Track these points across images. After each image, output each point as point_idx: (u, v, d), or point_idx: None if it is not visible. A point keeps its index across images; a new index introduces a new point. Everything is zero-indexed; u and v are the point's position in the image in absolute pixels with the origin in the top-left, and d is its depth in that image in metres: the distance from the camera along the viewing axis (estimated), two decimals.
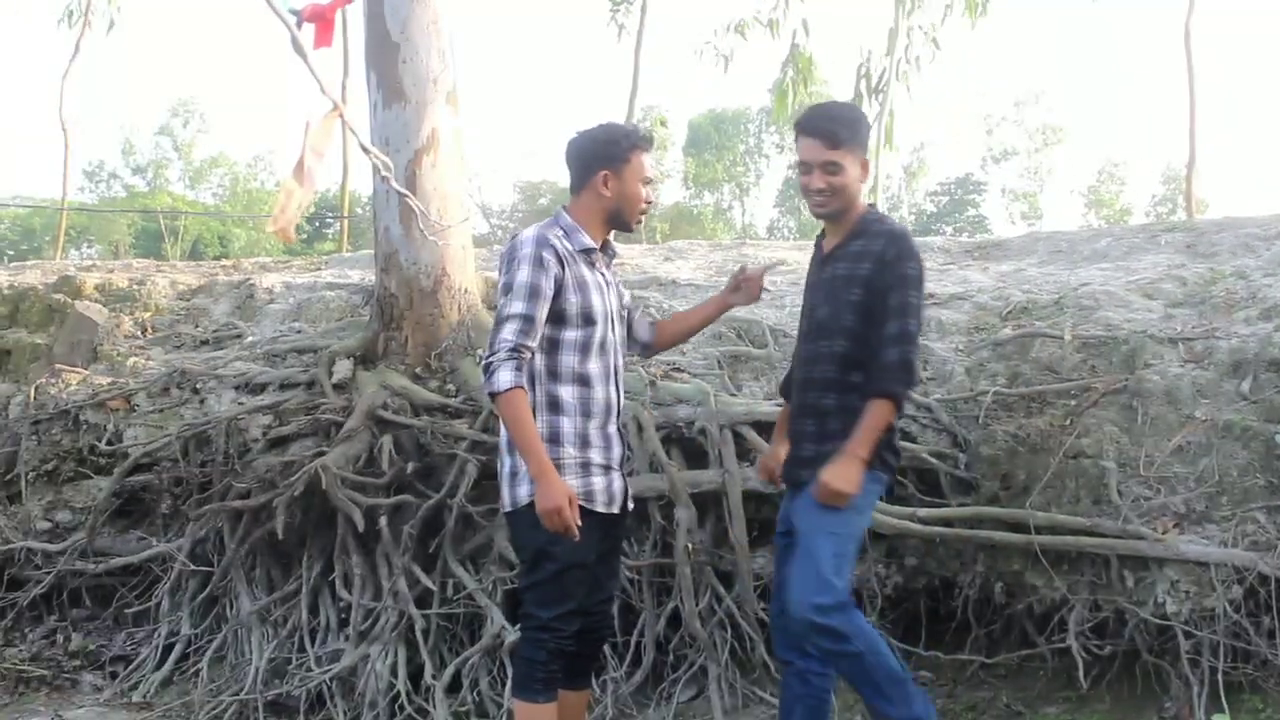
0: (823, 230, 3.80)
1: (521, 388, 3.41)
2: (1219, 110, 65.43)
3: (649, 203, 3.70)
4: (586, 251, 3.61)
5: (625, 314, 3.86)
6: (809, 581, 3.39)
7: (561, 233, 3.60)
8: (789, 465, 3.74)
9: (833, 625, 3.35)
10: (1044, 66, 78.07)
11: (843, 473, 3.40)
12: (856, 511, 3.50)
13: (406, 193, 5.09)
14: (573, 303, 3.50)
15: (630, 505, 3.76)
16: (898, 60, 10.61)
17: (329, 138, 2.61)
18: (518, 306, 3.43)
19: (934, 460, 5.19)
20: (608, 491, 3.59)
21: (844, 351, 3.53)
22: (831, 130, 3.53)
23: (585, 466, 3.53)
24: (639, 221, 3.74)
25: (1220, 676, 4.28)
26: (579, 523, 3.39)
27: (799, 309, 3.89)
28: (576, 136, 3.71)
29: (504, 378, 3.38)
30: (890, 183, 44.07)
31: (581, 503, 3.48)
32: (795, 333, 6.20)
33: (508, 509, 3.61)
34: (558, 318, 3.50)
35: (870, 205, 3.71)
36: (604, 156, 3.61)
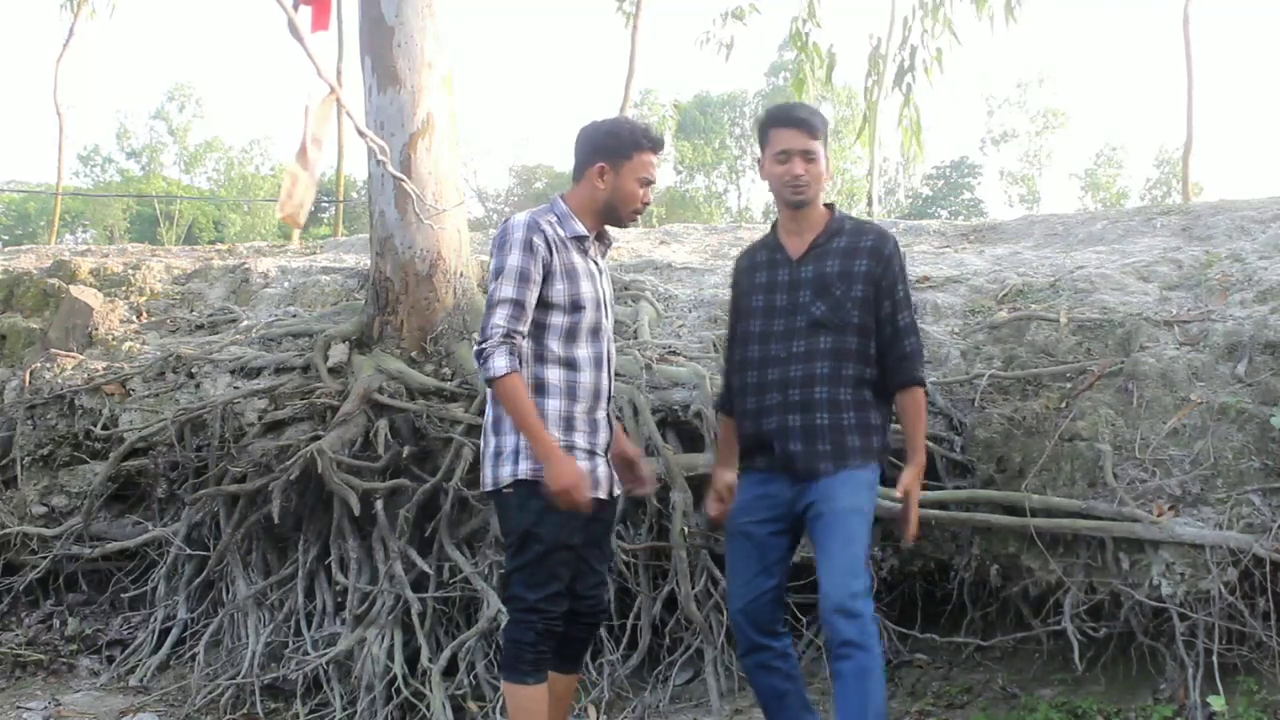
0: (771, 235, 3.83)
1: (517, 371, 3.43)
2: (1215, 101, 65.33)
3: (645, 203, 3.68)
4: (579, 238, 3.61)
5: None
6: (848, 565, 3.41)
7: (555, 219, 3.60)
8: (801, 459, 3.60)
9: (864, 612, 3.37)
10: (1044, 49, 77.86)
11: (917, 477, 3.67)
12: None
13: (402, 176, 5.09)
14: (559, 290, 3.51)
15: (617, 491, 3.76)
16: (913, 50, 10.52)
17: (328, 123, 2.60)
18: (508, 291, 3.45)
19: (930, 443, 5.18)
20: (591, 476, 3.58)
21: (854, 347, 3.60)
22: (810, 121, 3.67)
23: (569, 450, 3.53)
24: (633, 220, 3.73)
25: (1215, 659, 4.29)
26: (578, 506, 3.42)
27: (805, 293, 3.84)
28: (588, 124, 3.71)
29: (499, 364, 3.40)
30: (887, 166, 43.82)
31: None
32: None
33: (489, 488, 3.63)
34: (544, 303, 3.50)
35: (827, 205, 3.77)
36: (605, 148, 3.62)
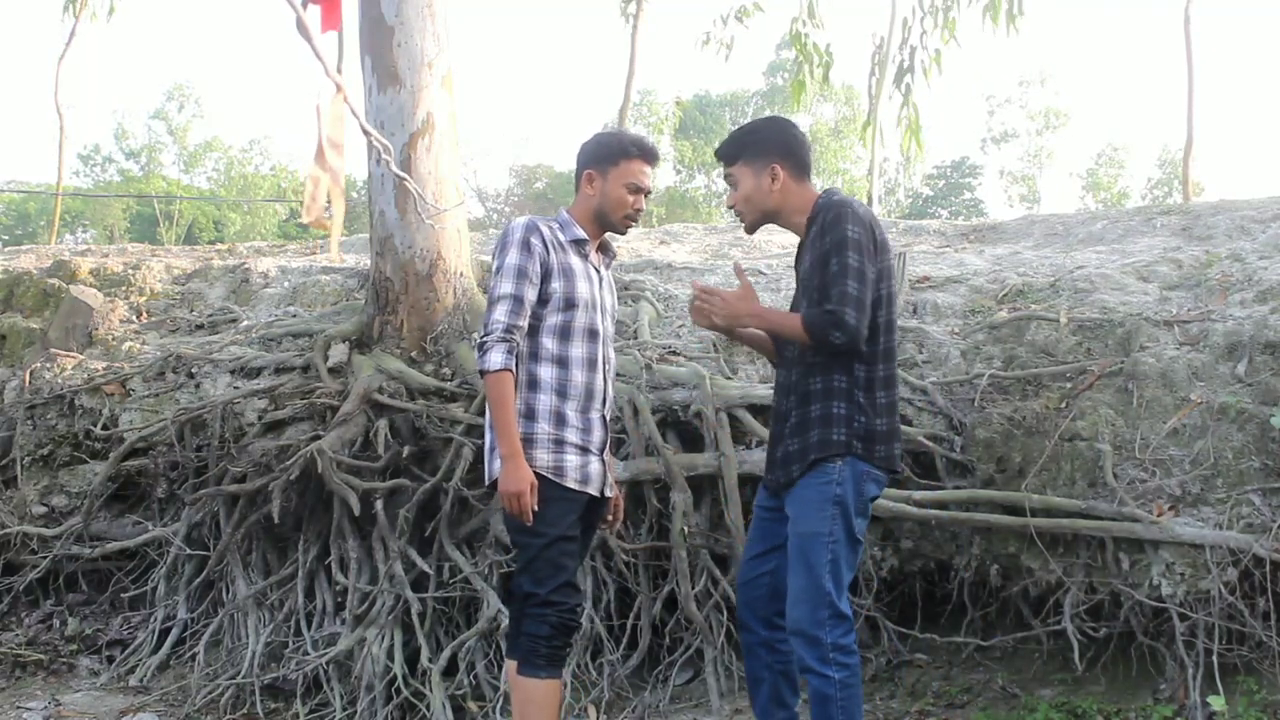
0: None
1: (510, 370, 3.51)
2: (1215, 101, 65.35)
3: (636, 209, 3.77)
4: (577, 242, 3.72)
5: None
6: (808, 593, 3.39)
7: (556, 225, 3.73)
8: (780, 465, 3.60)
9: (824, 639, 3.37)
10: (1045, 48, 77.87)
11: (735, 301, 3.51)
12: (851, 513, 3.44)
13: (404, 175, 5.08)
14: (555, 288, 3.61)
15: (609, 492, 3.80)
16: (913, 51, 10.47)
17: (342, 123, 2.59)
18: (506, 287, 3.55)
19: (930, 443, 5.19)
20: (581, 470, 3.64)
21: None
22: (724, 149, 3.72)
23: (559, 443, 3.60)
24: (626, 224, 3.79)
25: (1215, 658, 4.30)
26: (535, 508, 3.48)
27: (794, 292, 3.86)
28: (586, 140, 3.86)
29: (495, 359, 3.50)
30: (887, 166, 43.74)
31: (552, 476, 3.56)
32: None
33: (488, 482, 3.70)
34: (540, 300, 3.60)
35: (825, 190, 3.61)
36: (593, 156, 3.76)
